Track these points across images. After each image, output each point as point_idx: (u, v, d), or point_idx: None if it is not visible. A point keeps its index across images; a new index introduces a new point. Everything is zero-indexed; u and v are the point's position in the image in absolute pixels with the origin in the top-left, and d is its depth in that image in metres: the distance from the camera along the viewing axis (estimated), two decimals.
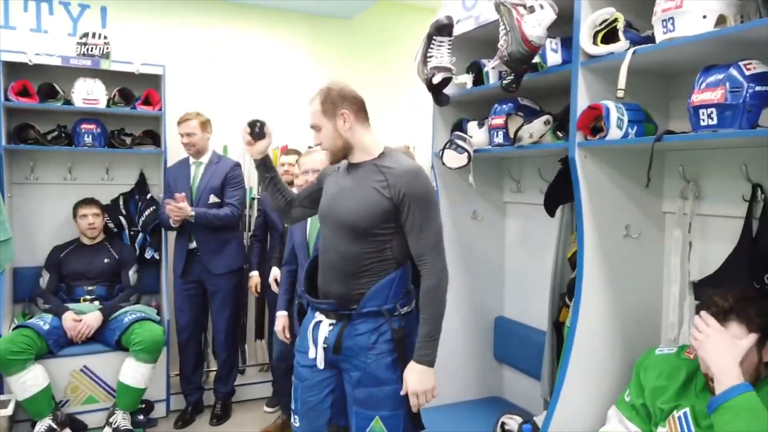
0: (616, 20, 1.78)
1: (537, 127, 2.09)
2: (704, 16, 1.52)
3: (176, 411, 3.75)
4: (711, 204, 1.91)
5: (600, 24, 1.82)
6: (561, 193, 2.22)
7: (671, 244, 1.99)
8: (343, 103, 1.91)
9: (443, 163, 2.43)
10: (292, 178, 3.73)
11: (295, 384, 2.08)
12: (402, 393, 1.85)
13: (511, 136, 2.19)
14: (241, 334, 4.06)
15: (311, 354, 1.98)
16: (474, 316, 2.87)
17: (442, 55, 2.40)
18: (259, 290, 3.81)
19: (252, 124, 2.04)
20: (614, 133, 1.76)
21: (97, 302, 3.59)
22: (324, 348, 1.93)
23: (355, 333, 1.89)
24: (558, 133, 2.08)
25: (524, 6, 1.94)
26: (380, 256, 1.89)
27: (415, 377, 1.83)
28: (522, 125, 2.10)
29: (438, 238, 1.86)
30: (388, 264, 1.90)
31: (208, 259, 3.61)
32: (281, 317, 3.03)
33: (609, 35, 1.81)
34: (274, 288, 3.37)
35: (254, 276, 3.81)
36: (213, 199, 3.62)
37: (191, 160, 3.70)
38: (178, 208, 3.41)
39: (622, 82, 1.69)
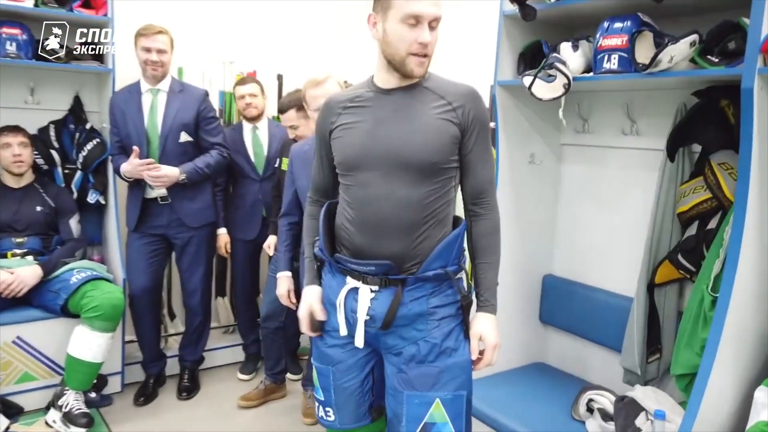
0: None
1: (681, 48, 1.67)
2: None
3: (133, 384, 3.13)
4: None
5: None
6: (690, 132, 1.84)
7: None
8: None
9: (532, 94, 1.97)
10: (257, 112, 3.15)
11: (321, 370, 1.70)
12: (474, 356, 1.58)
13: (640, 60, 1.76)
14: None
15: (343, 331, 1.61)
16: (520, 273, 2.49)
17: None
18: (229, 250, 3.23)
19: None
20: None
21: (30, 257, 2.84)
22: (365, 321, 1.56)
23: (409, 299, 1.53)
24: (708, 57, 1.67)
25: None
26: (446, 198, 1.56)
27: (494, 330, 1.57)
28: (666, 45, 1.67)
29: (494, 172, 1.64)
30: (452, 208, 1.59)
31: (181, 209, 2.95)
32: (284, 279, 2.52)
33: None
34: (270, 252, 2.86)
35: (223, 234, 3.23)
36: (184, 137, 2.94)
37: (144, 86, 2.94)
38: (160, 175, 2.78)
39: None
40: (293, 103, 2.79)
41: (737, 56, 1.65)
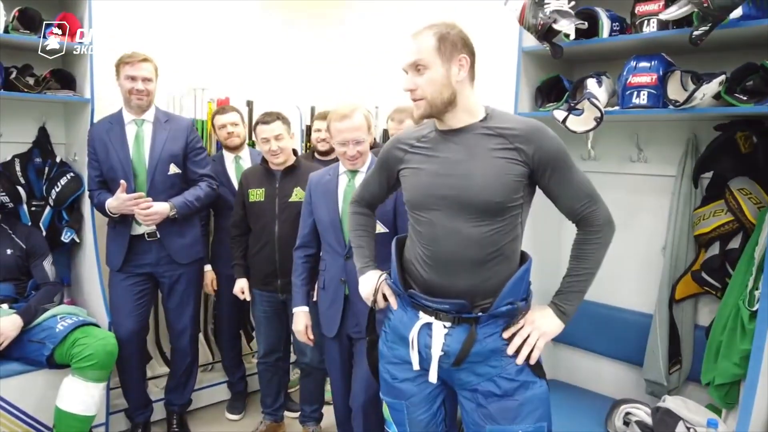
0: None
1: (712, 87, 1.85)
2: None
3: None
4: None
5: None
6: (713, 163, 2.04)
7: None
8: (464, 48, 1.56)
9: (567, 127, 2.09)
10: (239, 141, 3.10)
11: (394, 405, 1.74)
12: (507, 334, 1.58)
13: (674, 96, 1.92)
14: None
15: (416, 365, 1.64)
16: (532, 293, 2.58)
17: None
18: (215, 287, 3.11)
19: None
20: None
21: (5, 305, 2.58)
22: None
23: (483, 336, 1.56)
24: (736, 95, 1.85)
25: None
26: (512, 234, 1.58)
27: (548, 321, 1.59)
28: (701, 84, 1.84)
29: (590, 182, 1.61)
30: (518, 243, 1.62)
31: (171, 246, 2.80)
32: (302, 314, 2.44)
33: None
34: (246, 297, 2.84)
35: (209, 270, 3.12)
36: (173, 169, 2.80)
37: (127, 117, 2.77)
38: (149, 213, 2.62)
39: None
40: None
41: (756, 95, 1.85)
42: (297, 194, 2.67)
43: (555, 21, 2.03)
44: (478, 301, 1.57)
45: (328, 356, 2.47)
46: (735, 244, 2.05)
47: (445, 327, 1.57)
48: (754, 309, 1.83)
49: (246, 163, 3.18)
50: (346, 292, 2.26)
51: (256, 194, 2.74)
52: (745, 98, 1.83)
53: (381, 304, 1.78)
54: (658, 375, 2.23)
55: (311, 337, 2.44)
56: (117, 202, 2.63)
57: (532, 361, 1.58)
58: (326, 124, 2.32)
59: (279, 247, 2.68)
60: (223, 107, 3.25)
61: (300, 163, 2.78)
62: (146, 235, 2.78)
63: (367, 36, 4.00)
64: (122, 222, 2.74)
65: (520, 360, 1.57)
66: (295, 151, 2.83)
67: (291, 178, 2.72)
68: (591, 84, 2.11)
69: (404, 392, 1.70)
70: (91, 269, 2.87)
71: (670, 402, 2.12)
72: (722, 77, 1.85)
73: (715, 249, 2.10)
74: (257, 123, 2.72)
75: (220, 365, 3.43)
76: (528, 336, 1.57)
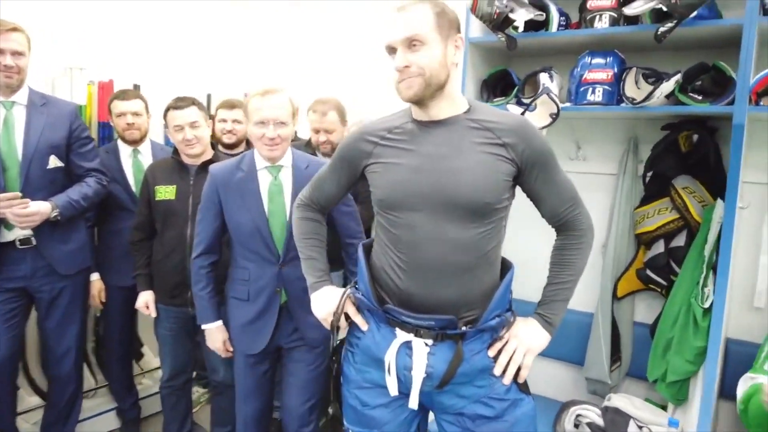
0: None
1: (669, 86, 1.85)
2: None
3: None
4: None
5: None
6: (656, 161, 2.06)
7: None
8: (458, 30, 1.41)
9: None
10: (140, 135, 2.71)
11: None
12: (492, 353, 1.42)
13: (629, 94, 1.90)
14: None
15: (393, 391, 1.45)
16: None
17: None
18: (103, 299, 2.68)
19: None
20: None
21: None
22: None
23: (470, 353, 1.41)
24: (692, 94, 1.87)
25: None
26: (497, 238, 1.43)
27: (534, 336, 1.45)
28: (661, 83, 1.83)
29: (573, 185, 1.49)
30: (500, 249, 1.48)
31: (51, 254, 2.33)
32: (216, 330, 2.13)
33: None
34: (152, 312, 2.47)
35: (96, 280, 2.67)
36: (54, 162, 2.32)
37: None
38: (27, 214, 2.15)
39: None
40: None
41: (706, 94, 1.89)
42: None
43: (512, 10, 1.92)
44: (462, 313, 1.40)
45: (240, 376, 2.17)
46: (679, 242, 2.09)
47: (426, 345, 1.40)
48: (707, 306, 1.87)
49: (146, 158, 2.73)
50: (283, 301, 2.01)
51: (165, 192, 2.36)
52: (700, 98, 1.85)
53: (344, 326, 1.55)
54: (601, 373, 2.23)
55: (230, 349, 2.15)
56: None
57: (521, 380, 1.45)
58: (241, 109, 2.04)
59: (192, 253, 2.33)
60: (123, 91, 2.75)
61: (218, 157, 2.43)
62: (18, 242, 2.29)
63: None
64: None
65: (507, 380, 1.43)
66: (213, 144, 2.49)
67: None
68: (545, 78, 2.04)
69: (377, 420, 1.50)
70: None
71: (617, 401, 2.13)
72: (678, 76, 1.86)
73: (659, 247, 2.13)
74: (168, 108, 2.34)
75: (106, 390, 2.96)
76: (514, 352, 1.43)
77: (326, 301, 1.55)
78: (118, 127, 2.68)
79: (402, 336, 1.41)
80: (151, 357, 3.22)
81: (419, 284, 1.40)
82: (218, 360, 2.30)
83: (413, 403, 1.43)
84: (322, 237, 1.68)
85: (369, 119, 1.59)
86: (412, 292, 1.40)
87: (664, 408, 2.14)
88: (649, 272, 2.14)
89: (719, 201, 1.91)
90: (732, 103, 1.78)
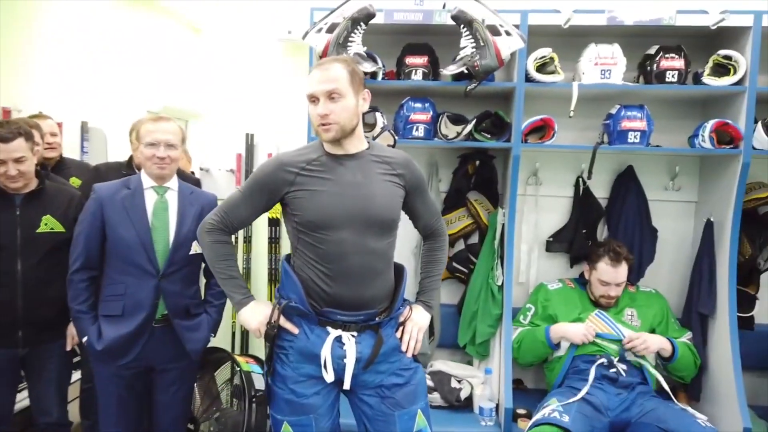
0: (552, 58, 2.50)
1: (469, 127, 2.55)
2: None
3: None
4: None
5: (539, 58, 2.50)
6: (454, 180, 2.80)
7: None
8: (365, 86, 1.80)
9: None
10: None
11: (301, 421, 1.80)
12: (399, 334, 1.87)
13: (444, 132, 2.55)
14: None
15: (330, 377, 1.76)
16: None
17: (359, 43, 2.46)
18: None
19: None
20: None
21: None
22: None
23: (387, 337, 1.82)
24: (483, 133, 2.59)
25: (497, 27, 2.38)
26: (394, 246, 1.88)
27: (421, 315, 1.93)
28: (466, 125, 2.51)
29: (435, 208, 2.02)
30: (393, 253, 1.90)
31: None
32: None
33: (540, 66, 2.51)
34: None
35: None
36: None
37: None
38: None
39: (573, 104, 2.46)
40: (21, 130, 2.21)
41: (491, 133, 2.63)
42: (47, 223, 2.23)
43: (358, 63, 2.39)
44: (376, 306, 1.79)
45: (103, 397, 2.18)
46: (474, 240, 2.84)
47: (353, 336, 1.76)
48: (500, 284, 2.63)
49: None
50: (160, 315, 2.12)
51: None
52: (489, 136, 2.59)
53: (270, 333, 1.80)
54: (423, 347, 2.83)
55: None
56: None
57: (415, 352, 1.91)
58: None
59: (23, 290, 2.19)
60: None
61: (45, 185, 2.29)
62: None
63: None
64: None
65: (410, 353, 1.88)
66: (38, 172, 2.30)
67: (37, 204, 2.24)
68: (378, 117, 2.57)
69: (312, 406, 1.79)
70: None
71: (438, 365, 2.78)
72: (474, 120, 2.57)
73: (460, 245, 2.84)
74: None
75: None
76: (412, 332, 1.88)
77: (256, 314, 1.81)
78: None
79: (334, 332, 1.75)
80: None
81: (346, 288, 1.74)
82: (52, 400, 2.28)
83: (347, 384, 1.75)
84: (235, 258, 1.91)
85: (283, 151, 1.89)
86: (342, 295, 1.74)
87: (470, 364, 2.85)
88: (454, 264, 2.84)
89: (499, 208, 2.69)
90: (509, 140, 2.56)
